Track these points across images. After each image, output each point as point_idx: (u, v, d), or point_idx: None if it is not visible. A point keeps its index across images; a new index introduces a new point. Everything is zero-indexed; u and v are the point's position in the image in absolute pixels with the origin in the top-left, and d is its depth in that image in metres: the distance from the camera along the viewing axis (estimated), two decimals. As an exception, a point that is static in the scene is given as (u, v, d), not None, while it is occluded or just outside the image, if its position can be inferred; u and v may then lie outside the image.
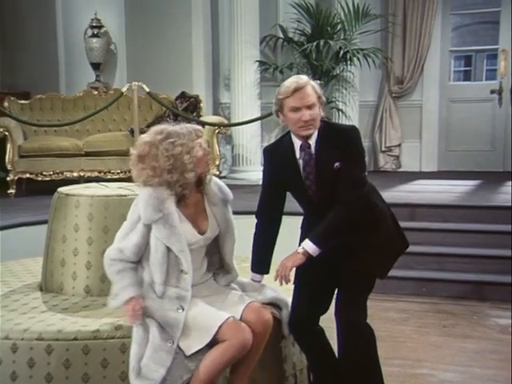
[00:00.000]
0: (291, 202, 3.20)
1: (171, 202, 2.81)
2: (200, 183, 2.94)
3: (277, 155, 3.10)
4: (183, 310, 2.79)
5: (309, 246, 2.93)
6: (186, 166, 2.80)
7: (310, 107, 2.94)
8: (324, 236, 2.94)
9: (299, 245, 3.09)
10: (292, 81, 2.99)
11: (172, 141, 2.81)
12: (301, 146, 3.03)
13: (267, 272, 3.18)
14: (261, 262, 3.17)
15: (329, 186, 2.97)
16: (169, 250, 2.79)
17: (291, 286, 3.11)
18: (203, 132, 2.94)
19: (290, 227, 3.33)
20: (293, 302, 3.15)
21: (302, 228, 3.21)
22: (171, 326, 2.76)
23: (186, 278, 2.82)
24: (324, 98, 3.04)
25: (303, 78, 3.00)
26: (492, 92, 8.68)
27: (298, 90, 2.95)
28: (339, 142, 2.96)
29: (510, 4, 8.36)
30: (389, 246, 3.14)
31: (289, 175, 3.06)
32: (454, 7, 9.18)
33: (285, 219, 3.20)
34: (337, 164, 2.94)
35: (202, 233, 2.91)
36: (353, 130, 3.04)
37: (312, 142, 3.01)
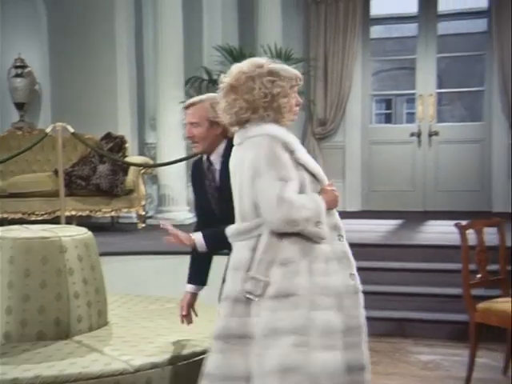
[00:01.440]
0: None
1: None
2: None
3: (196, 167, 3.21)
4: (343, 238, 2.68)
5: (198, 238, 2.94)
6: (281, 110, 2.65)
7: (192, 124, 3.04)
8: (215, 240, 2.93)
9: None
10: None
11: (272, 79, 2.62)
12: (205, 161, 3.13)
13: (204, 283, 3.19)
14: (197, 274, 3.17)
15: (227, 203, 2.86)
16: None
17: None
18: (302, 80, 2.76)
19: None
20: None
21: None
22: (343, 259, 2.70)
23: None
24: (221, 119, 2.83)
25: (197, 98, 3.11)
26: (412, 135, 8.96)
27: (186, 107, 3.09)
28: None
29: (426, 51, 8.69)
30: None
31: (199, 187, 3.17)
32: (373, 53, 9.52)
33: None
34: None
35: None
36: None
37: (214, 158, 3.08)
